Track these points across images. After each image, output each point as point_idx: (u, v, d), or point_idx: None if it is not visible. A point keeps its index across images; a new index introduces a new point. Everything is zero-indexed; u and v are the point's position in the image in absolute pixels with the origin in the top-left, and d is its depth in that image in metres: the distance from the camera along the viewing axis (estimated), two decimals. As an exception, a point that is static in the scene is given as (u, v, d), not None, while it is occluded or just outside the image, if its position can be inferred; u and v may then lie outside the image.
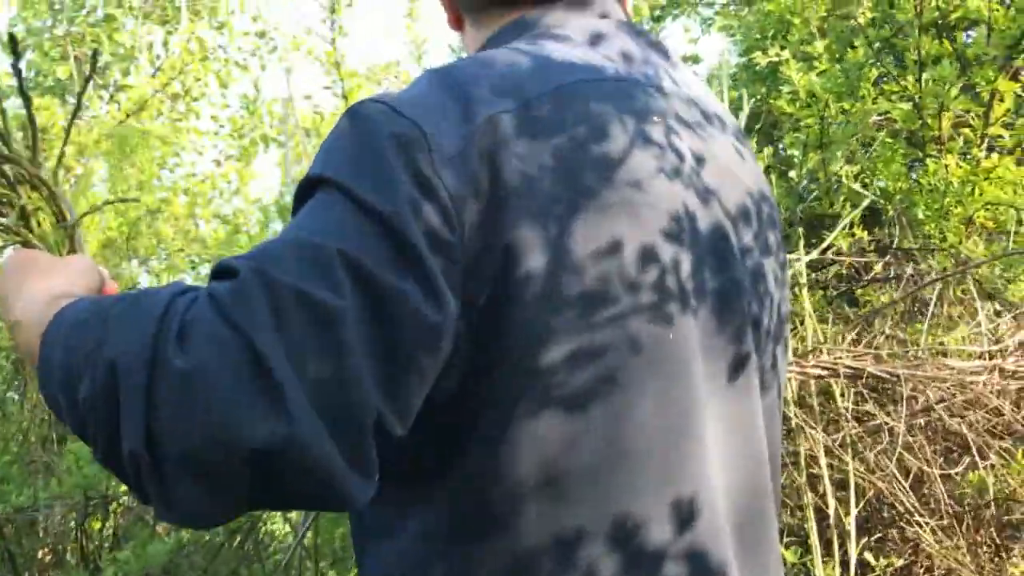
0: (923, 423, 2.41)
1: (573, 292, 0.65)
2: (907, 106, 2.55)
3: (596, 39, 0.79)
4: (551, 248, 0.64)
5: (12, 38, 0.90)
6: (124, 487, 2.24)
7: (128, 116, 2.68)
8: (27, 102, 0.87)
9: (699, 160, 0.76)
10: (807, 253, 2.42)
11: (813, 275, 2.79)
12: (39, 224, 0.86)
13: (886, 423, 2.33)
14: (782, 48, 2.83)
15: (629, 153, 0.70)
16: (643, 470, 0.66)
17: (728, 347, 0.75)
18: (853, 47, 2.70)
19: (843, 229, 2.50)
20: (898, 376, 2.84)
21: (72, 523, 2.20)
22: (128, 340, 0.56)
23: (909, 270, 2.55)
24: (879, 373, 2.81)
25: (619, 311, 0.67)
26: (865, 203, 2.45)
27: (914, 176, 2.68)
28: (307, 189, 0.65)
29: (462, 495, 0.66)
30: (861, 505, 2.15)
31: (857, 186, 2.59)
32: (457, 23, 0.93)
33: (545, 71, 0.71)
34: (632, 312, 0.67)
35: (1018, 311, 2.44)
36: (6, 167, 0.85)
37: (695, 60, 3.60)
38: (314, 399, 0.55)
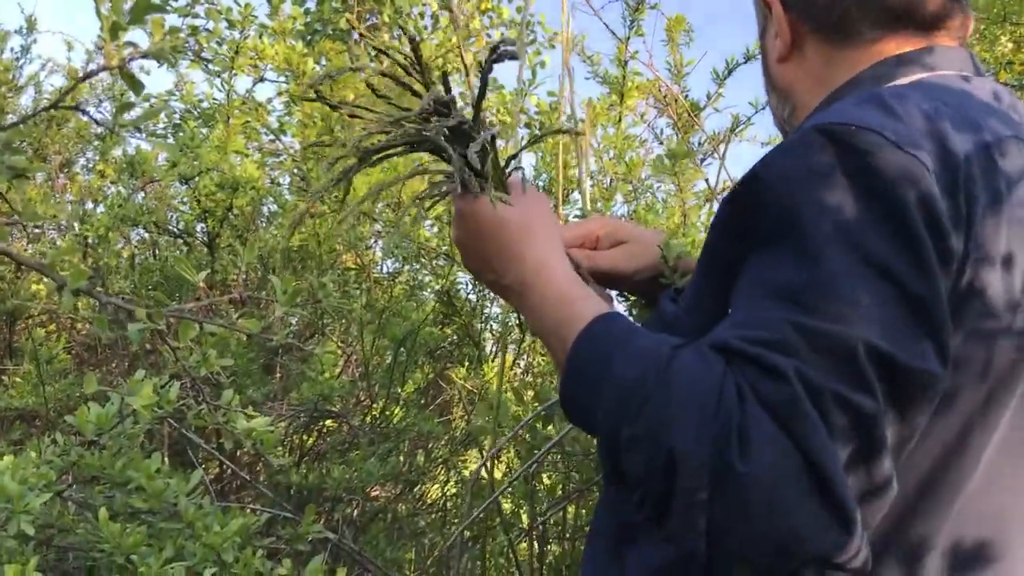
0: None
1: (981, 296, 0.66)
2: None
3: (966, 77, 0.80)
4: (974, 255, 0.66)
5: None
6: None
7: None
8: (480, 98, 0.87)
9: None
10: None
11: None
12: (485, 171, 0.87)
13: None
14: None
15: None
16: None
17: None
18: None
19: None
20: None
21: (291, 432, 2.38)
22: (687, 435, 0.60)
23: None
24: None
25: (996, 327, 0.68)
26: None
27: None
28: (781, 213, 0.66)
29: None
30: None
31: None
32: (788, 53, 0.87)
33: (969, 111, 0.72)
34: (1004, 332, 0.68)
35: None
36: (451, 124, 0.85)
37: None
38: (862, 509, 0.60)
